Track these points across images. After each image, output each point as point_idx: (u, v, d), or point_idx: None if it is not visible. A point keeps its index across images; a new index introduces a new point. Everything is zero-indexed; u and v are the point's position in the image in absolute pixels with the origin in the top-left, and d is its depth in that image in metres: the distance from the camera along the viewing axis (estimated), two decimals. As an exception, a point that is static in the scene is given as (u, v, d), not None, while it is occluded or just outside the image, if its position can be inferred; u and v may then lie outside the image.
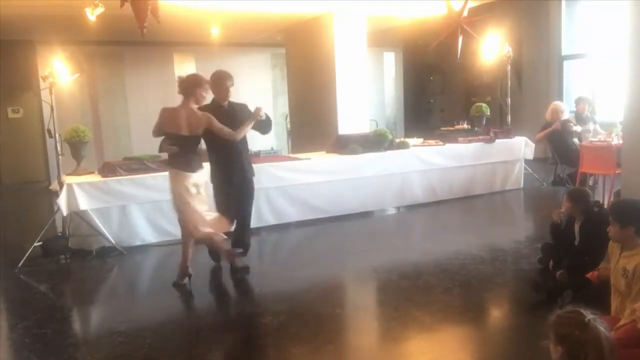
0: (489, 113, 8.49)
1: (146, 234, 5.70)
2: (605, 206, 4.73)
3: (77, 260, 5.36)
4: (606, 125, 7.75)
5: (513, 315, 3.82)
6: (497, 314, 3.97)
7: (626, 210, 2.99)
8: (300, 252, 5.42)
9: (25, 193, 10.35)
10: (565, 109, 7.88)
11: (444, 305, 3.84)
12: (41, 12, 7.61)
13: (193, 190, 4.23)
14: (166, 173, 5.76)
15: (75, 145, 5.77)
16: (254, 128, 4.66)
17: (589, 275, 3.69)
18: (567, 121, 7.65)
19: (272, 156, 9.17)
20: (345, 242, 5.76)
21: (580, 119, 7.88)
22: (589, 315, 1.89)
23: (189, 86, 4.25)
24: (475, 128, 8.19)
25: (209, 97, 4.48)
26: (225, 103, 4.67)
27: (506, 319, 3.82)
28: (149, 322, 3.81)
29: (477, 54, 8.16)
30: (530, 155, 8.06)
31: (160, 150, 4.49)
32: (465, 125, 8.37)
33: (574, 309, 1.94)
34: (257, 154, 6.96)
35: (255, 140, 12.18)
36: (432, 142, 7.65)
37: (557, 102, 8.10)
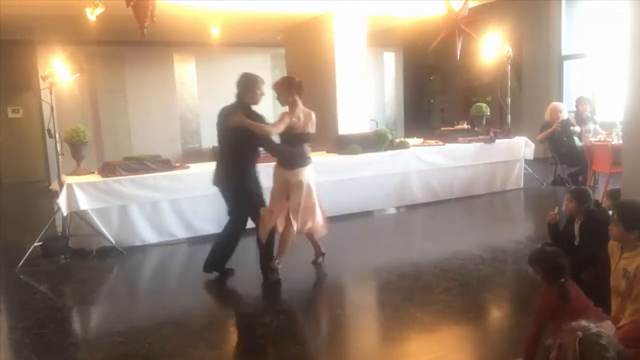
0: (489, 113, 8.49)
1: (146, 234, 5.70)
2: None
3: (77, 260, 5.36)
4: (606, 125, 7.76)
5: (513, 315, 3.83)
6: (497, 314, 3.97)
7: (634, 213, 2.91)
8: (300, 252, 5.41)
9: (25, 193, 10.36)
10: (565, 108, 7.88)
11: (444, 305, 3.84)
12: (41, 12, 7.60)
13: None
14: (165, 173, 5.84)
15: (75, 146, 5.77)
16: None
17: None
18: (568, 121, 7.65)
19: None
20: (345, 242, 5.75)
21: (580, 119, 7.88)
22: (585, 329, 2.02)
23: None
24: (475, 128, 8.19)
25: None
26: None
27: (506, 319, 3.83)
28: (149, 322, 3.81)
29: (477, 54, 8.17)
30: (530, 155, 8.07)
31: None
32: (465, 125, 8.37)
33: (581, 322, 2.06)
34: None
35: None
36: (432, 142, 7.65)
37: (556, 103, 8.12)
